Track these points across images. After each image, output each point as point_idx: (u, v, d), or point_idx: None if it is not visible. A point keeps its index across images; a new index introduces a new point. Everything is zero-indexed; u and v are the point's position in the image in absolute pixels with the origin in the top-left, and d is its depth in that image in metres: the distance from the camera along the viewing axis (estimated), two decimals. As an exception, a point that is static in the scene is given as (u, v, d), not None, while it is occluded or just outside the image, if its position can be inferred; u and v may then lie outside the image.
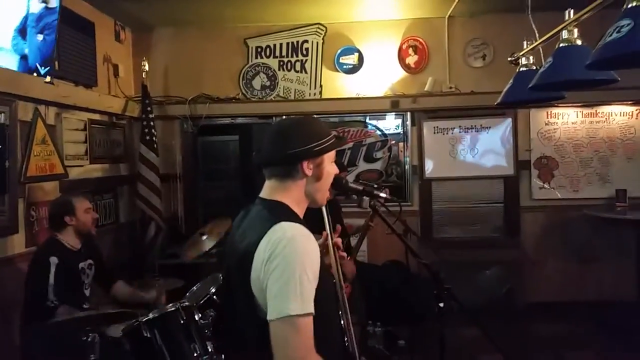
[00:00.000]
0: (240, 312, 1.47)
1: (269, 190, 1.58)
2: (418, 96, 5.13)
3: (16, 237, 3.39)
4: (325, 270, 1.53)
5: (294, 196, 1.56)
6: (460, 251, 5.14)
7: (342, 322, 1.66)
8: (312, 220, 1.60)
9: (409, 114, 5.23)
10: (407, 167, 5.30)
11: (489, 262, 5.11)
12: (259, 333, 1.38)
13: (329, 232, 1.73)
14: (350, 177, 5.15)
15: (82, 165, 4.32)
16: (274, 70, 5.32)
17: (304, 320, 1.33)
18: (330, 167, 1.61)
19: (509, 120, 5.21)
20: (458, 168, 5.29)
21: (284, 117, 4.80)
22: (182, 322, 2.48)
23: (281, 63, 5.31)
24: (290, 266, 1.35)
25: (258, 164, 1.61)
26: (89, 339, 2.33)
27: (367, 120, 5.30)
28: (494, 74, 4.92)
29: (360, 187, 1.78)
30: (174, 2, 4.57)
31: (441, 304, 2.10)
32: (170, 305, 2.56)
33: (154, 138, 4.87)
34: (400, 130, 5.29)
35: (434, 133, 5.27)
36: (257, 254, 1.41)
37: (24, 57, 3.35)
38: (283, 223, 1.43)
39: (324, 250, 1.69)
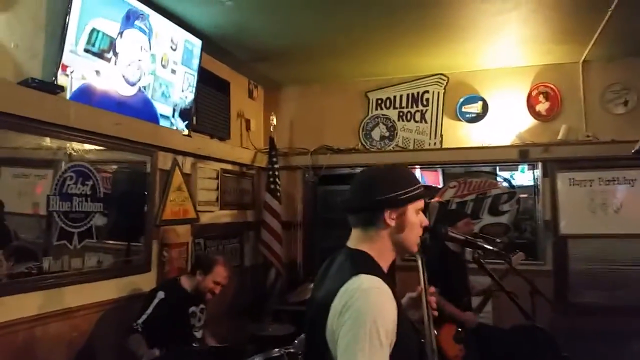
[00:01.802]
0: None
1: (353, 239, 1.56)
2: (551, 145, 4.79)
3: (148, 275, 3.71)
4: (407, 325, 1.45)
5: (377, 247, 1.52)
6: (601, 319, 4.53)
7: None
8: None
9: (540, 164, 4.88)
10: (539, 222, 4.89)
11: (636, 333, 4.44)
12: None
13: (423, 286, 1.64)
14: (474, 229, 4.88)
15: (212, 211, 4.65)
16: (393, 120, 5.36)
17: None
18: (414, 218, 1.55)
19: (658, 171, 4.61)
20: (598, 224, 4.75)
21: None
22: (286, 367, 2.50)
23: (401, 114, 5.33)
24: (360, 319, 1.31)
25: (344, 211, 1.59)
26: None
27: (493, 171, 5.04)
28: (638, 120, 4.43)
29: (462, 237, 1.65)
30: (301, 62, 4.91)
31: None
32: (277, 350, 2.59)
33: (277, 187, 5.12)
34: (530, 182, 4.94)
35: (570, 185, 4.83)
36: (333, 305, 1.38)
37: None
38: (362, 275, 1.39)
39: (415, 303, 1.63)
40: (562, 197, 4.83)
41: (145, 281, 3.65)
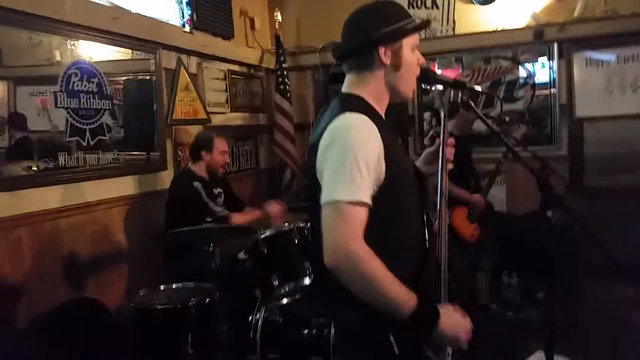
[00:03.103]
0: (313, 201, 1.42)
1: (347, 84, 1.51)
2: (566, 24, 4.56)
3: (165, 173, 3.81)
4: (403, 167, 1.45)
5: (372, 89, 1.47)
6: (616, 201, 4.54)
7: (426, 229, 1.52)
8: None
9: (555, 44, 4.66)
10: (554, 106, 4.78)
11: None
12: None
13: (442, 138, 1.58)
14: (494, 126, 4.80)
15: (223, 113, 4.67)
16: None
17: (350, 207, 1.27)
18: (411, 55, 1.48)
19: (682, 46, 4.39)
20: (615, 105, 4.60)
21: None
22: (296, 241, 2.60)
23: (411, 1, 5.09)
24: (341, 153, 1.30)
25: (336, 59, 1.55)
26: (211, 249, 2.55)
27: (510, 56, 4.86)
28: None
29: (451, 80, 1.62)
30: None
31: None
32: (287, 224, 2.69)
33: (287, 87, 5.07)
34: (545, 64, 4.77)
35: (586, 66, 4.65)
36: (320, 144, 1.38)
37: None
38: (347, 113, 1.37)
39: (433, 157, 1.62)
40: (578, 79, 4.67)
41: (163, 179, 3.76)
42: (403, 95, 1.52)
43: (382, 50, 1.44)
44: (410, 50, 1.49)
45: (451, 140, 1.64)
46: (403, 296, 1.28)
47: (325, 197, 1.31)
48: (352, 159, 1.28)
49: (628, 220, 4.33)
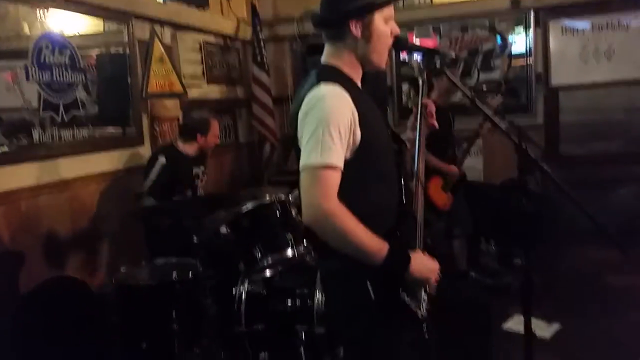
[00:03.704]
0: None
1: (325, 54, 1.58)
2: (543, -8, 4.58)
3: (142, 148, 3.76)
4: (377, 131, 1.53)
5: (346, 60, 1.53)
6: (591, 169, 4.64)
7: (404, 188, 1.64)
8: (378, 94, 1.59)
9: (532, 12, 4.69)
10: (530, 75, 4.82)
11: (625, 180, 4.58)
12: None
13: (419, 103, 1.68)
14: (467, 90, 4.83)
15: (200, 86, 4.59)
16: (381, -22, 5.06)
17: (322, 170, 1.38)
18: (384, 27, 1.52)
19: (655, 13, 4.45)
20: (590, 74, 4.68)
21: None
22: (277, 213, 2.61)
23: (388, -31, 5.02)
24: (315, 121, 1.40)
25: (314, 27, 1.58)
26: (191, 224, 2.54)
27: (485, 25, 4.86)
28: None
29: (424, 47, 1.66)
30: None
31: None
32: (267, 197, 2.69)
33: (264, 59, 4.99)
34: (522, 33, 4.79)
35: (562, 34, 4.69)
36: (299, 113, 1.47)
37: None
38: (322, 84, 1.45)
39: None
40: (554, 48, 4.72)
41: (139, 154, 3.71)
42: (376, 64, 1.58)
43: (352, 23, 1.49)
44: (384, 21, 1.53)
45: (431, 107, 1.73)
46: (375, 245, 1.41)
47: (301, 163, 1.43)
48: (324, 127, 1.39)
49: (603, 187, 4.45)
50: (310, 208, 1.39)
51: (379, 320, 1.49)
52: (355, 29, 1.48)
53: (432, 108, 1.73)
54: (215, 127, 3.37)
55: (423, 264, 1.50)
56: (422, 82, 1.71)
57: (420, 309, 1.51)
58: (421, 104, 1.69)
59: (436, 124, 1.75)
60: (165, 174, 3.08)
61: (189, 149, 3.32)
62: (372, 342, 1.52)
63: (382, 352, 1.51)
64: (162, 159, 3.11)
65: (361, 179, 1.47)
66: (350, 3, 1.47)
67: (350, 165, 1.43)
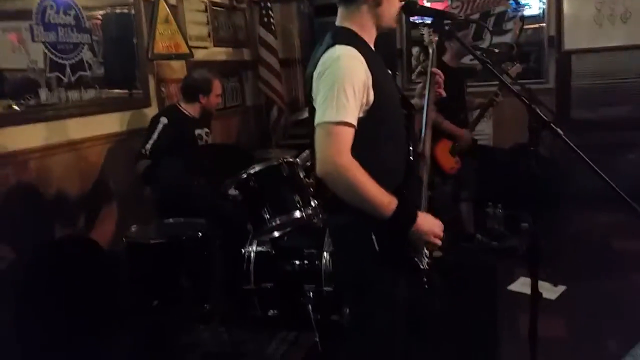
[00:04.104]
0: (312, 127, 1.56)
1: (339, 17, 1.64)
2: (558, -48, 4.44)
3: (149, 110, 3.73)
4: (389, 93, 1.60)
5: (358, 21, 1.59)
6: (603, 133, 4.57)
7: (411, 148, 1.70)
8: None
9: (546, -27, 4.57)
10: (543, 39, 4.72)
11: (635, 145, 4.53)
12: None
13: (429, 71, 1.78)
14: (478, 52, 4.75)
15: (206, 47, 4.54)
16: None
17: (336, 127, 1.43)
18: None
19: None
20: (604, 37, 4.57)
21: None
22: (284, 175, 2.61)
23: None
24: (330, 81, 1.45)
25: None
26: (196, 184, 2.55)
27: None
28: None
29: (434, 10, 1.70)
30: None
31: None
32: (275, 159, 2.68)
33: (271, 20, 4.91)
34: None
35: (577, -4, 4.57)
36: (314, 74, 1.53)
37: None
38: (337, 45, 1.49)
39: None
40: (568, 11, 4.61)
41: (147, 116, 3.68)
42: (386, 26, 1.65)
43: None
44: None
45: (439, 77, 1.82)
46: (384, 199, 1.46)
47: (316, 120, 1.47)
48: (339, 86, 1.43)
49: (614, 151, 4.40)
50: (324, 162, 1.44)
51: (382, 271, 1.56)
52: None
53: (440, 78, 1.81)
54: (217, 86, 3.33)
55: (429, 223, 1.55)
56: (432, 51, 1.83)
57: (421, 262, 1.58)
58: (430, 72, 1.78)
59: (443, 92, 1.84)
60: (166, 135, 3.07)
61: (191, 109, 3.30)
62: (374, 291, 1.60)
63: (383, 302, 1.60)
64: (163, 120, 3.11)
65: (372, 138, 1.52)
66: None
67: (362, 124, 1.48)
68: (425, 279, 1.61)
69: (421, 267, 1.58)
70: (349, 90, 1.43)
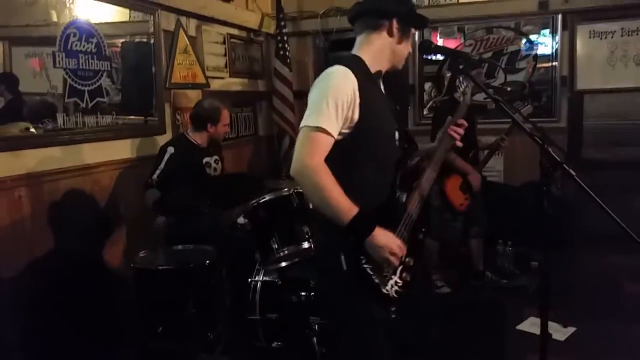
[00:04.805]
0: None
1: (355, 45, 1.71)
2: (571, -5, 4.51)
3: (163, 137, 3.77)
4: (381, 120, 1.67)
5: (373, 49, 1.68)
6: (614, 174, 4.55)
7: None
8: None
9: (560, 16, 4.62)
10: (555, 78, 4.76)
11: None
12: None
13: (456, 117, 1.86)
14: (490, 90, 4.78)
15: (222, 78, 4.63)
16: (406, -24, 5.03)
17: (313, 132, 1.52)
18: (408, 44, 1.75)
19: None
20: (617, 79, 4.60)
21: None
22: (294, 205, 2.62)
23: (414, -33, 5.00)
24: (317, 92, 1.56)
25: (351, 19, 1.74)
26: (205, 211, 2.56)
27: (511, 26, 4.81)
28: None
29: (450, 50, 1.77)
30: None
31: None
32: (285, 189, 2.70)
33: (287, 53, 5.01)
34: (549, 36, 4.73)
35: (589, 38, 4.62)
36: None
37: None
38: (335, 65, 1.60)
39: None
40: (581, 51, 4.65)
41: (161, 143, 3.73)
42: (396, 65, 1.77)
43: (394, 24, 1.68)
44: (409, 39, 1.76)
45: (461, 129, 1.85)
46: (346, 206, 1.52)
47: (300, 125, 1.58)
48: (323, 98, 1.53)
49: (625, 193, 4.36)
50: (296, 162, 1.54)
51: (350, 292, 1.59)
52: (395, 28, 1.67)
53: (462, 130, 1.85)
54: (225, 116, 3.36)
55: (386, 237, 1.56)
56: (463, 101, 1.90)
57: (385, 286, 1.59)
58: (453, 122, 1.84)
59: (460, 144, 1.88)
60: (173, 164, 3.10)
61: (199, 138, 3.34)
62: (343, 313, 1.65)
63: (360, 320, 1.63)
64: (170, 149, 3.15)
65: (352, 156, 1.61)
66: (402, 7, 1.69)
67: (345, 140, 1.58)
68: (391, 307, 1.62)
69: (383, 290, 1.58)
70: (332, 103, 1.51)
